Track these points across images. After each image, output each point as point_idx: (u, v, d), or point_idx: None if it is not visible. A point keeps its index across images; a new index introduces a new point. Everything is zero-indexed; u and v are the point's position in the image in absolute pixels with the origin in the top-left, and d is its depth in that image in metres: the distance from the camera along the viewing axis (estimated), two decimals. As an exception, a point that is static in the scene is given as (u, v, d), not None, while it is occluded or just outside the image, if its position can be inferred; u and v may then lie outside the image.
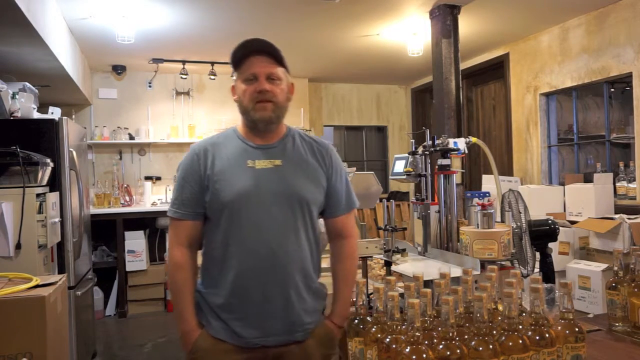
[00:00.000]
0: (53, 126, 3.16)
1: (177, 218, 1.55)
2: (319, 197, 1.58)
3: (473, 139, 2.46)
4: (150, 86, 5.94)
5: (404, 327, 1.11)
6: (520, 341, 1.09)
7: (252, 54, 1.52)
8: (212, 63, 5.50)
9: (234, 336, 1.48)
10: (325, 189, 1.60)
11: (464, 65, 4.84)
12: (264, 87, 1.50)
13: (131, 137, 5.74)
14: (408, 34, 4.56)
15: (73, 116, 5.55)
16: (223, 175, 1.50)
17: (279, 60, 1.54)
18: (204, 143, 1.58)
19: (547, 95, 4.79)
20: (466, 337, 1.09)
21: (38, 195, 2.71)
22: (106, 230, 5.17)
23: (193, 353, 1.50)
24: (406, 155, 2.48)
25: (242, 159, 1.53)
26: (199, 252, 1.61)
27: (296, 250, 1.51)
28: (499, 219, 2.16)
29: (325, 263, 1.72)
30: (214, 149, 1.55)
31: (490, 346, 1.06)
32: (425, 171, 2.37)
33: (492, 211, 1.93)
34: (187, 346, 1.51)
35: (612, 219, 3.46)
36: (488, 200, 1.97)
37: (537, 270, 2.16)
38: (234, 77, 1.59)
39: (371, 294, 1.62)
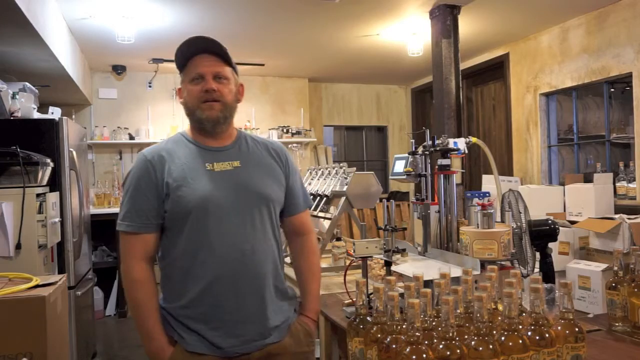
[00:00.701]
0: (53, 126, 3.16)
1: (132, 232, 1.44)
2: (282, 196, 1.57)
3: (473, 139, 2.46)
4: (150, 86, 5.94)
5: (404, 327, 1.11)
6: (520, 341, 1.09)
7: (198, 53, 1.48)
8: (212, 63, 5.49)
9: (211, 348, 1.42)
10: (285, 188, 1.59)
11: (464, 65, 4.84)
12: (210, 86, 1.45)
13: (131, 137, 5.74)
14: (408, 34, 4.56)
15: (73, 116, 5.55)
16: (184, 180, 1.43)
17: (226, 59, 1.51)
18: (155, 149, 1.50)
19: (547, 95, 4.79)
20: (466, 337, 1.09)
21: (38, 195, 2.71)
22: (106, 230, 5.15)
23: None
24: (406, 155, 2.48)
25: (198, 162, 1.47)
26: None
27: (266, 250, 1.49)
28: (499, 219, 2.16)
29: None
30: (167, 154, 1.47)
31: (490, 346, 1.06)
32: (425, 171, 2.37)
33: (492, 211, 1.93)
34: None
35: (612, 219, 3.46)
36: (488, 200, 1.97)
37: (537, 270, 2.16)
38: (181, 79, 1.54)
39: (371, 294, 1.62)
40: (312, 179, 3.17)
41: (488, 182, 4.53)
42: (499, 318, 1.15)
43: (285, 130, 6.16)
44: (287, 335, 1.51)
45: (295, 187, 1.63)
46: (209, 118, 1.47)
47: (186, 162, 1.46)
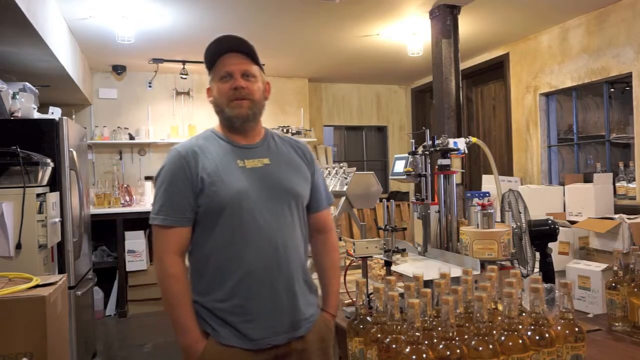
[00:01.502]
0: (53, 126, 3.16)
1: (167, 225, 1.46)
2: (308, 193, 1.61)
3: (473, 139, 2.46)
4: (150, 86, 5.94)
5: (404, 327, 1.11)
6: (520, 341, 1.09)
7: (226, 52, 1.51)
8: (212, 63, 5.49)
9: (244, 340, 1.44)
10: (310, 185, 1.62)
11: (464, 65, 4.84)
12: (239, 83, 1.48)
13: (131, 137, 5.74)
14: (408, 34, 4.56)
15: (73, 116, 5.55)
16: (218, 176, 1.45)
17: (253, 58, 1.53)
18: (188, 145, 1.52)
19: (547, 95, 4.79)
20: (466, 337, 1.09)
21: (38, 195, 2.71)
22: (106, 230, 5.17)
23: None
24: (406, 155, 2.48)
25: (230, 159, 1.50)
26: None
27: (296, 245, 1.53)
28: (499, 219, 2.16)
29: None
30: (200, 151, 1.49)
31: (490, 346, 1.06)
32: (425, 171, 2.37)
33: (492, 211, 1.93)
34: (194, 357, 1.45)
35: (612, 219, 3.46)
36: (488, 200, 1.97)
37: (537, 270, 2.16)
38: (210, 78, 1.57)
39: (371, 294, 1.62)
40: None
41: (488, 182, 4.53)
42: (499, 318, 1.15)
43: (285, 130, 6.16)
44: (312, 329, 1.55)
45: (319, 184, 1.67)
46: (238, 115, 1.50)
47: (218, 159, 1.49)
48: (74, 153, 3.30)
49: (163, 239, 1.48)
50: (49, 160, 2.94)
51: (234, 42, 1.50)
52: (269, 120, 6.30)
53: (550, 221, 2.23)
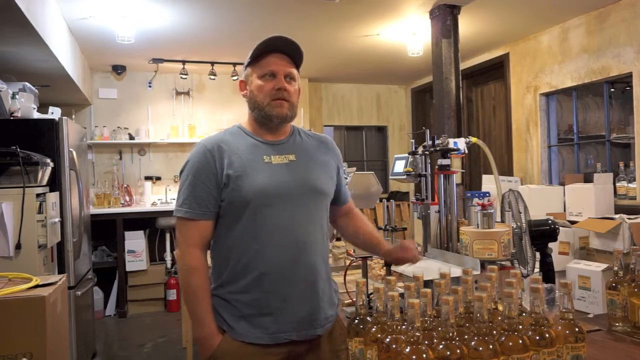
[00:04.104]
0: (53, 126, 3.16)
1: (190, 218, 1.48)
2: (332, 190, 1.63)
3: (473, 139, 2.46)
4: (150, 86, 5.94)
5: (404, 327, 1.11)
6: (520, 341, 1.09)
7: (274, 52, 1.53)
8: (212, 63, 5.50)
9: (259, 334, 1.45)
10: (336, 182, 1.65)
11: (464, 65, 4.84)
12: (284, 84, 1.51)
13: (131, 137, 5.74)
14: (408, 34, 4.56)
15: (73, 116, 5.55)
16: (243, 171, 1.47)
17: (296, 62, 1.57)
18: (214, 140, 1.53)
19: (547, 95, 4.79)
20: (466, 337, 1.09)
21: (38, 195, 2.71)
22: (106, 230, 5.17)
23: (215, 358, 1.46)
24: (406, 155, 2.48)
25: (257, 155, 1.51)
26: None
27: (319, 242, 1.54)
28: (499, 219, 2.16)
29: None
30: (227, 146, 1.51)
31: (490, 346, 1.06)
32: (425, 171, 2.37)
33: (492, 211, 1.93)
34: (209, 350, 1.46)
35: (612, 219, 3.46)
36: (488, 200, 1.97)
37: (537, 270, 2.16)
38: (246, 72, 1.57)
39: (371, 294, 1.62)
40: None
41: (488, 182, 4.53)
42: (499, 318, 1.15)
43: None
44: (330, 329, 1.56)
45: (343, 179, 1.72)
46: (279, 115, 1.52)
47: (245, 154, 1.50)
48: (74, 153, 3.30)
49: (186, 231, 1.50)
50: (48, 160, 2.94)
51: (285, 43, 1.53)
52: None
53: (550, 221, 2.23)
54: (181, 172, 1.54)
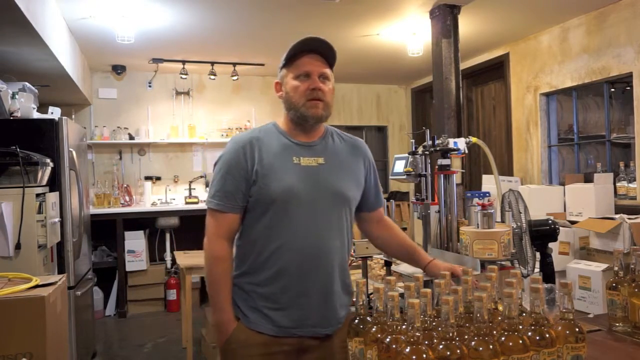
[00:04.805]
0: (53, 126, 3.16)
1: (219, 210, 1.53)
2: (358, 196, 1.66)
3: (473, 139, 2.46)
4: (150, 86, 5.94)
5: (404, 327, 1.10)
6: (520, 341, 1.08)
7: (309, 53, 1.56)
8: (212, 63, 5.50)
9: (270, 326, 1.51)
10: (363, 187, 1.67)
11: (464, 65, 4.84)
12: (318, 85, 1.53)
13: (131, 137, 5.74)
14: (408, 34, 4.56)
15: (73, 116, 5.55)
16: (271, 170, 1.51)
17: (330, 62, 1.59)
18: (247, 136, 1.58)
19: (547, 95, 4.79)
20: (466, 337, 1.09)
21: (38, 195, 2.71)
22: (106, 230, 5.17)
23: (229, 344, 1.52)
24: (406, 155, 2.48)
25: (287, 155, 1.55)
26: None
27: (338, 247, 1.57)
28: (499, 219, 2.16)
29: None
30: (259, 143, 1.55)
31: (490, 346, 1.06)
32: (425, 171, 2.37)
33: (492, 211, 1.93)
34: (224, 336, 1.53)
35: (612, 219, 3.46)
36: (488, 200, 1.97)
37: (537, 270, 2.16)
38: (281, 73, 1.61)
39: (371, 294, 1.62)
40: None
41: (488, 182, 4.53)
42: (499, 318, 1.15)
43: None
44: (340, 330, 1.58)
45: (376, 184, 1.73)
46: (314, 115, 1.55)
47: (275, 153, 1.54)
48: (74, 153, 3.30)
49: (214, 222, 1.55)
50: (48, 160, 2.93)
51: (319, 44, 1.56)
52: (269, 120, 6.28)
53: (550, 221, 2.23)
54: (215, 164, 1.60)
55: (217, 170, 1.57)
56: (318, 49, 1.56)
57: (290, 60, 1.57)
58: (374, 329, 1.19)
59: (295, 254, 1.51)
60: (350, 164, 1.64)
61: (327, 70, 1.57)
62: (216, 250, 1.54)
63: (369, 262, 2.21)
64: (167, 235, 5.69)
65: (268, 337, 1.51)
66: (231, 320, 1.53)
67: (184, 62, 5.44)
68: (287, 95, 1.57)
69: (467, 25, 4.33)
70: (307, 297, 1.52)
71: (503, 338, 1.09)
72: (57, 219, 2.97)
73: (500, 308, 1.22)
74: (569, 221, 3.86)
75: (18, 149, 2.60)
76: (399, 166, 2.52)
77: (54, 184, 3.11)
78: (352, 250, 1.99)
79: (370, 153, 1.74)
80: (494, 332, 1.10)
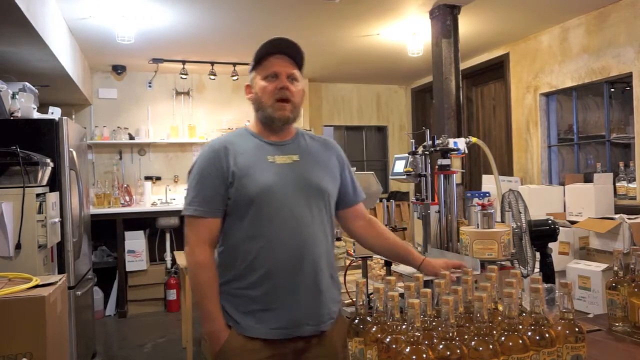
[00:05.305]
0: (53, 126, 3.16)
1: (199, 216, 1.52)
2: (336, 190, 1.67)
3: (473, 139, 2.46)
4: (150, 86, 5.94)
5: (404, 327, 1.11)
6: (520, 341, 1.08)
7: (276, 53, 1.56)
8: (212, 63, 5.50)
9: (264, 329, 1.49)
10: (339, 182, 1.68)
11: (464, 65, 4.84)
12: (286, 84, 1.54)
13: (131, 137, 5.74)
14: (408, 34, 4.56)
15: (73, 116, 5.55)
16: (248, 171, 1.51)
17: (298, 63, 1.60)
18: (221, 141, 1.58)
19: (547, 95, 4.79)
20: (466, 337, 1.09)
21: (38, 195, 2.71)
22: (106, 230, 5.17)
23: (223, 353, 1.50)
24: (406, 155, 2.47)
25: (261, 155, 1.56)
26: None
27: (323, 241, 1.57)
28: (499, 219, 2.16)
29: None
30: (233, 146, 1.55)
31: (490, 346, 1.06)
32: (425, 171, 2.37)
33: (492, 211, 1.93)
34: (217, 345, 1.51)
35: (612, 219, 3.46)
36: (488, 200, 1.97)
37: (537, 270, 2.16)
38: (251, 75, 1.61)
39: (371, 294, 1.62)
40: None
41: (488, 182, 4.53)
42: (499, 318, 1.15)
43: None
44: (334, 326, 1.58)
45: (352, 179, 1.74)
46: (281, 117, 1.56)
47: (250, 154, 1.55)
48: (74, 153, 3.30)
49: (194, 229, 1.54)
50: (48, 160, 2.93)
51: (286, 44, 1.57)
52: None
53: (550, 221, 2.23)
54: (189, 172, 1.59)
55: (193, 177, 1.56)
56: (286, 51, 1.57)
57: (259, 62, 1.57)
58: (374, 329, 1.19)
59: (280, 252, 1.50)
60: (323, 159, 1.65)
61: (296, 72, 1.58)
62: (199, 257, 1.52)
63: (369, 262, 2.21)
64: (167, 235, 5.69)
65: (262, 341, 1.49)
66: (223, 328, 1.51)
67: (184, 62, 5.44)
68: (256, 96, 1.58)
69: (467, 25, 4.33)
70: (298, 294, 1.50)
71: (503, 338, 1.09)
72: (57, 219, 2.97)
73: (500, 308, 1.22)
74: (569, 221, 3.86)
75: (18, 149, 2.60)
76: (399, 166, 2.52)
77: (54, 184, 3.11)
78: (352, 250, 1.99)
79: (342, 151, 1.75)
80: (494, 332, 1.10)
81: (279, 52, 1.56)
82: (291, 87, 1.55)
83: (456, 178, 2.30)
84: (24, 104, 3.21)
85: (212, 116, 6.11)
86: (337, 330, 1.59)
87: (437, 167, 2.29)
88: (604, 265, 3.29)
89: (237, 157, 1.53)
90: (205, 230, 1.53)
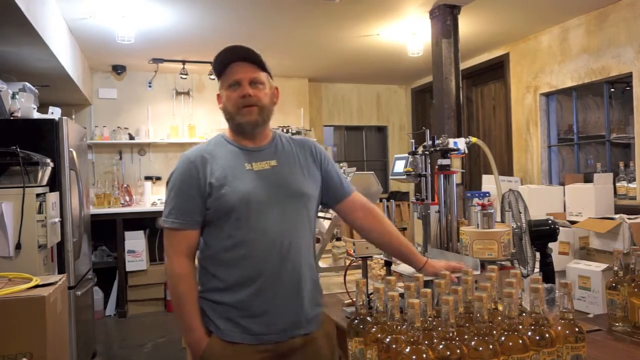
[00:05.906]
0: (53, 126, 3.16)
1: (176, 228, 1.51)
2: (317, 192, 1.64)
3: (473, 139, 2.46)
4: (150, 86, 5.94)
5: (404, 327, 1.11)
6: (520, 341, 1.08)
7: (234, 61, 1.55)
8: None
9: (245, 335, 1.49)
10: (320, 184, 1.66)
11: (464, 65, 4.84)
12: (247, 91, 1.53)
13: (131, 137, 5.74)
14: (408, 34, 4.56)
15: (73, 116, 5.55)
16: (225, 180, 1.50)
17: (260, 65, 1.58)
18: (197, 151, 1.57)
19: (547, 95, 4.79)
20: (466, 337, 1.09)
21: (38, 195, 2.71)
22: (106, 230, 5.17)
23: (205, 359, 1.49)
24: (406, 155, 2.47)
25: (238, 162, 1.55)
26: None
27: (303, 245, 1.56)
28: (499, 219, 2.16)
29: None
30: (209, 156, 1.54)
31: (490, 346, 1.06)
32: (425, 171, 2.37)
33: (492, 211, 1.93)
34: (198, 353, 1.50)
35: (612, 219, 3.46)
36: (488, 200, 1.97)
37: (537, 270, 2.16)
38: (219, 85, 1.60)
39: (371, 294, 1.62)
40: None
41: (488, 182, 4.53)
42: (499, 318, 1.15)
43: (285, 131, 6.15)
44: (317, 329, 1.58)
45: (337, 173, 1.71)
46: (248, 122, 1.55)
47: (227, 163, 1.54)
48: (74, 153, 3.30)
49: (173, 240, 1.54)
50: (48, 160, 2.93)
51: (241, 51, 1.55)
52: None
53: (550, 221, 2.23)
54: (167, 183, 1.58)
55: (170, 188, 1.55)
56: (244, 56, 1.55)
57: (222, 72, 1.57)
58: (374, 329, 1.20)
59: (261, 259, 1.49)
60: (302, 161, 1.63)
61: (259, 75, 1.56)
62: (178, 268, 1.51)
63: (369, 262, 2.21)
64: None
65: (244, 346, 1.48)
66: (202, 338, 1.50)
67: (184, 62, 5.44)
68: (224, 106, 1.58)
69: (467, 25, 4.33)
70: (279, 300, 1.50)
71: (503, 338, 1.09)
72: (57, 219, 2.97)
73: (500, 308, 1.22)
74: (569, 221, 3.86)
75: (18, 149, 2.61)
76: (399, 166, 2.51)
77: (54, 184, 3.11)
78: (352, 250, 1.98)
79: (320, 147, 1.73)
80: (494, 332, 1.10)
81: (238, 59, 1.55)
82: (255, 92, 1.53)
83: (456, 178, 2.30)
84: (24, 104, 3.21)
85: (212, 116, 6.11)
86: (324, 334, 1.59)
87: (437, 167, 2.29)
88: (604, 265, 3.28)
89: (214, 167, 1.52)
90: (184, 242, 1.52)
